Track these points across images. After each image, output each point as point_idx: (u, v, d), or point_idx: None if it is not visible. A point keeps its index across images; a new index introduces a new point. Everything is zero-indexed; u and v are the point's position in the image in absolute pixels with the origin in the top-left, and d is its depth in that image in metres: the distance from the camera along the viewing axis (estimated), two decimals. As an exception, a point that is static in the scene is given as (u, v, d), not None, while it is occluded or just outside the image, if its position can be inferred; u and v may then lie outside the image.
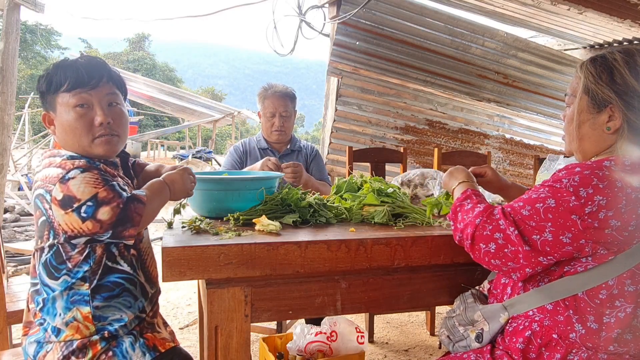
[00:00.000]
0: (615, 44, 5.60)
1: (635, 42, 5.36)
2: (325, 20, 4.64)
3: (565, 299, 1.11)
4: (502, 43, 5.29)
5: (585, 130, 1.18)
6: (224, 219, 1.44)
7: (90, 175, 1.18)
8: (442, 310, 3.28)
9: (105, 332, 1.27)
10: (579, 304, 1.09)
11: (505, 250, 1.11)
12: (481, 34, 5.15)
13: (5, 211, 6.16)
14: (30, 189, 2.19)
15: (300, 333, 1.91)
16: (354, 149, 3.02)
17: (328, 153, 4.82)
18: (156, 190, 1.29)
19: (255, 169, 2.24)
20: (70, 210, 1.14)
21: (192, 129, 21.48)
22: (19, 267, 4.13)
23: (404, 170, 3.08)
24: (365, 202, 1.58)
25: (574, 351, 1.09)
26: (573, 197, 1.05)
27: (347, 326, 1.90)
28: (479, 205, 1.20)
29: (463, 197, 1.27)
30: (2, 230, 2.47)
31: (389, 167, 3.26)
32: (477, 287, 1.40)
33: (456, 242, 1.24)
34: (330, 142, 4.81)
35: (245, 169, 2.44)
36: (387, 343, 2.90)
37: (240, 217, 1.40)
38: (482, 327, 1.23)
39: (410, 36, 4.82)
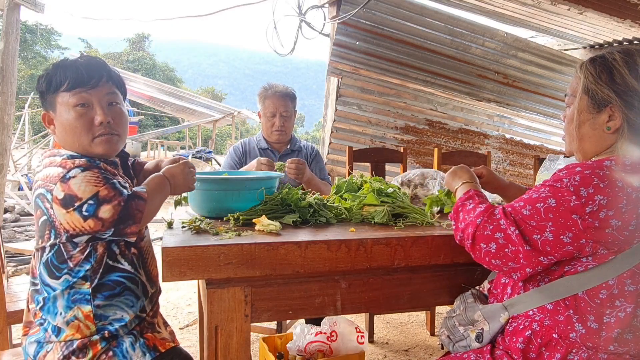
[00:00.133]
0: (615, 44, 5.60)
1: (635, 42, 5.36)
2: (325, 20, 4.64)
3: (565, 298, 1.11)
4: (502, 43, 5.29)
5: (585, 130, 1.18)
6: (224, 219, 1.44)
7: (91, 174, 1.19)
8: (442, 310, 3.28)
9: (106, 331, 1.27)
10: (579, 304, 1.09)
11: (506, 250, 1.11)
12: (481, 34, 5.15)
13: (5, 211, 6.16)
14: (30, 189, 2.19)
15: (300, 333, 1.91)
16: (354, 149, 3.02)
17: (328, 153, 4.82)
18: (156, 186, 1.29)
19: (250, 168, 2.25)
20: (71, 209, 1.15)
21: (192, 129, 21.48)
22: (19, 267, 4.13)
23: (404, 170, 3.08)
24: (365, 202, 1.58)
25: (574, 351, 1.09)
26: (574, 197, 1.05)
27: (347, 326, 1.90)
28: (480, 205, 1.20)
29: (465, 197, 1.27)
30: (2, 230, 2.47)
31: (389, 167, 3.26)
32: (477, 287, 1.40)
33: (457, 241, 1.24)
34: (330, 142, 4.81)
35: (241, 169, 2.44)
36: (387, 343, 2.90)
37: (240, 217, 1.40)
38: (482, 327, 1.23)
39: (410, 36, 4.82)
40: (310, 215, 1.47)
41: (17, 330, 2.34)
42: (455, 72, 5.11)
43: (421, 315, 3.32)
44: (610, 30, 5.14)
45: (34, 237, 5.07)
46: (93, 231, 1.16)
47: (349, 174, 2.27)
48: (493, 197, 1.77)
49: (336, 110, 4.75)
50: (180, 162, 1.38)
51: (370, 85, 4.83)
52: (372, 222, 1.50)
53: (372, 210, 1.53)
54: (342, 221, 1.52)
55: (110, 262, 1.29)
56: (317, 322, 2.08)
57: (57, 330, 1.25)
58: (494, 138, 5.67)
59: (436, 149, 3.14)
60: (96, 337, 1.25)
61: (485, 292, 1.37)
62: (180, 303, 3.55)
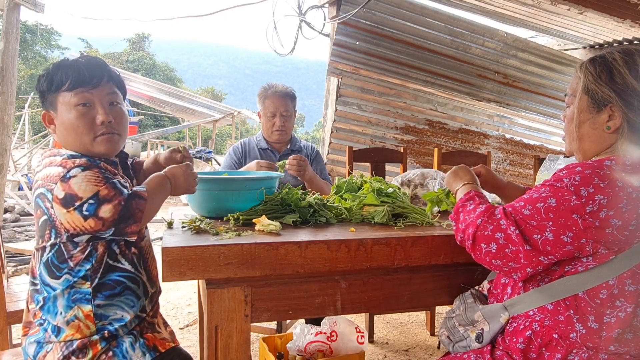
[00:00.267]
0: (615, 44, 5.60)
1: (635, 42, 5.36)
2: (325, 20, 4.64)
3: (565, 298, 1.11)
4: (502, 43, 5.29)
5: (585, 130, 1.18)
6: (224, 219, 1.44)
7: (91, 173, 1.19)
8: (442, 310, 3.28)
9: (105, 331, 1.27)
10: (580, 304, 1.09)
11: (506, 250, 1.11)
12: (481, 34, 5.15)
13: (5, 211, 6.16)
14: (31, 189, 2.19)
15: (300, 333, 1.91)
16: (354, 149, 3.02)
17: (328, 153, 4.82)
18: (157, 185, 1.29)
19: (250, 169, 2.25)
20: (72, 208, 1.15)
21: (192, 129, 21.48)
22: (19, 267, 4.13)
23: (404, 170, 3.08)
24: (365, 202, 1.58)
25: (574, 351, 1.09)
26: (574, 197, 1.05)
27: (347, 326, 1.90)
28: (480, 205, 1.20)
29: (466, 198, 1.27)
30: (2, 230, 2.47)
31: (389, 167, 3.26)
32: (476, 287, 1.40)
33: (458, 242, 1.24)
34: (330, 142, 4.81)
35: (241, 169, 2.44)
36: (387, 343, 2.90)
37: (240, 217, 1.40)
38: (482, 327, 1.22)
39: (410, 36, 4.82)
40: (310, 215, 1.47)
41: (17, 330, 2.34)
42: (455, 72, 5.11)
43: (421, 315, 3.32)
44: (610, 30, 5.14)
45: (34, 237, 5.07)
46: (93, 230, 1.16)
47: (349, 174, 2.28)
48: (492, 198, 1.77)
49: (336, 110, 4.75)
50: (183, 163, 1.39)
51: (370, 85, 4.83)
52: (372, 222, 1.50)
53: (372, 210, 1.53)
54: (342, 221, 1.52)
55: (111, 262, 1.29)
56: (317, 322, 2.08)
57: (57, 331, 1.25)
58: (494, 138, 5.67)
59: (436, 149, 3.14)
60: (96, 337, 1.25)
61: (485, 292, 1.37)
62: (180, 303, 3.55)
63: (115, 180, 1.21)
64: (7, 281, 2.23)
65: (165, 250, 1.12)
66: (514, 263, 1.11)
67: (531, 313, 1.16)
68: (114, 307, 1.29)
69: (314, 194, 1.64)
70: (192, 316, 3.27)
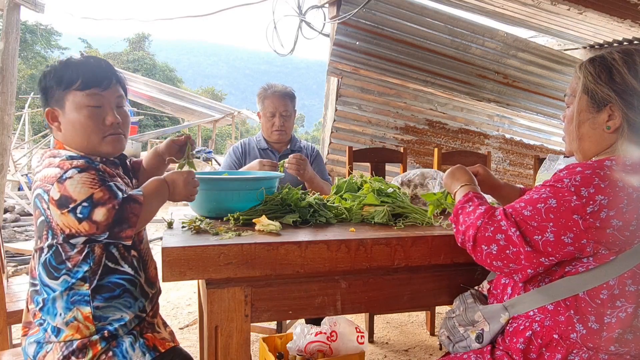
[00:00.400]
0: (615, 44, 5.60)
1: (635, 42, 5.36)
2: (325, 20, 4.64)
3: (566, 299, 1.11)
4: (502, 43, 5.29)
5: (585, 130, 1.18)
6: (224, 219, 1.44)
7: (87, 175, 1.18)
8: (442, 310, 3.28)
9: (105, 331, 1.27)
10: (580, 304, 1.09)
11: (507, 251, 1.10)
12: (481, 34, 5.15)
13: (5, 211, 6.16)
14: (30, 189, 2.20)
15: (300, 333, 1.91)
16: (354, 149, 3.02)
17: (328, 153, 4.82)
18: (154, 190, 1.28)
19: (252, 169, 2.25)
20: (66, 210, 1.15)
21: (192, 129, 21.47)
22: (19, 267, 4.13)
23: (404, 170, 3.08)
24: (365, 202, 1.58)
25: (574, 351, 1.09)
26: (574, 197, 1.05)
27: (347, 326, 1.90)
28: (480, 207, 1.20)
29: (465, 199, 1.27)
30: (2, 230, 2.47)
31: (389, 167, 3.25)
32: (476, 287, 1.40)
33: (459, 244, 1.24)
34: (330, 142, 4.81)
35: (242, 169, 2.44)
36: (387, 343, 2.90)
37: (240, 217, 1.40)
38: (482, 328, 1.22)
39: (410, 36, 4.82)
40: (310, 215, 1.47)
41: (17, 330, 2.34)
42: (455, 72, 5.11)
43: (421, 315, 3.32)
44: (610, 30, 5.14)
45: (33, 237, 5.07)
46: (88, 234, 1.16)
47: (349, 174, 2.27)
48: (490, 200, 1.75)
49: (336, 110, 4.75)
50: (184, 171, 1.36)
51: (370, 85, 4.83)
52: (372, 222, 1.50)
53: (372, 210, 1.53)
54: (342, 221, 1.52)
55: (111, 265, 1.29)
56: (317, 322, 2.08)
57: (57, 331, 1.25)
58: (494, 138, 5.67)
59: (436, 149, 3.14)
60: (96, 337, 1.25)
61: (485, 293, 1.37)
62: (180, 303, 3.55)
63: (111, 183, 1.21)
64: (7, 281, 2.23)
65: (165, 250, 1.12)
66: (515, 264, 1.10)
67: (531, 313, 1.16)
68: (112, 309, 1.29)
69: (314, 194, 1.64)
70: (192, 316, 3.27)
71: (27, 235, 5.45)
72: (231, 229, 1.32)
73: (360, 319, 3.05)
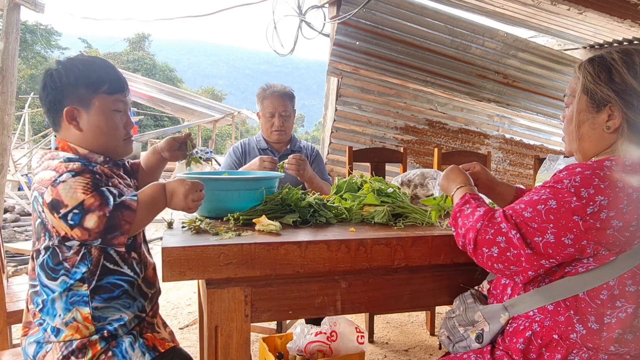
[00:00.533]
0: (615, 44, 5.60)
1: (635, 42, 5.36)
2: (325, 20, 4.64)
3: (566, 299, 1.11)
4: (502, 43, 5.29)
5: (584, 130, 1.18)
6: (224, 219, 1.44)
7: (81, 179, 1.17)
8: (442, 310, 3.28)
9: (105, 331, 1.27)
10: (580, 305, 1.09)
11: (508, 253, 1.10)
12: (481, 34, 5.15)
13: (5, 211, 6.16)
14: (30, 190, 2.20)
15: (300, 333, 1.91)
16: (354, 149, 3.02)
17: (328, 153, 4.82)
18: (149, 198, 1.25)
19: (252, 169, 2.25)
20: (57, 215, 1.15)
21: (192, 129, 21.47)
22: (19, 267, 4.13)
23: (404, 170, 3.08)
24: (365, 202, 1.58)
25: (574, 351, 1.09)
26: (574, 198, 1.05)
27: (347, 326, 1.90)
28: (478, 209, 1.19)
29: (462, 202, 1.26)
30: (2, 230, 2.47)
31: (389, 167, 3.25)
32: (476, 287, 1.40)
33: (460, 247, 1.23)
34: (330, 142, 4.81)
35: (241, 169, 2.44)
36: (387, 343, 2.90)
37: (240, 217, 1.40)
38: (482, 328, 1.22)
39: (410, 36, 4.82)
40: (310, 215, 1.46)
41: (17, 330, 2.34)
42: (455, 72, 5.11)
43: (421, 315, 3.32)
44: (610, 30, 5.14)
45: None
46: (80, 240, 1.17)
47: (349, 174, 2.27)
48: (487, 201, 1.73)
49: (336, 110, 4.75)
50: (190, 182, 1.30)
51: (370, 85, 4.83)
52: (372, 222, 1.50)
53: (372, 210, 1.53)
54: (342, 221, 1.52)
55: (110, 266, 1.29)
56: (317, 322, 2.08)
57: (56, 331, 1.25)
58: (494, 138, 5.67)
59: (436, 149, 3.14)
60: (95, 337, 1.25)
61: (485, 293, 1.37)
62: (180, 303, 3.55)
63: (103, 188, 1.19)
64: (7, 281, 2.23)
65: (165, 250, 1.12)
66: (516, 267, 1.10)
67: (531, 313, 1.16)
68: (111, 310, 1.29)
69: (314, 194, 1.64)
70: (192, 316, 3.27)
71: (27, 235, 5.45)
72: (231, 229, 1.32)
73: (360, 319, 3.05)
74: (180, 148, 1.59)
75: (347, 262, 1.25)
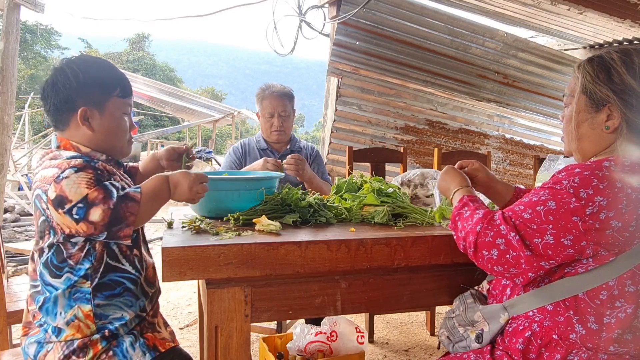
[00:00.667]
0: (615, 44, 5.60)
1: (635, 42, 5.37)
2: (325, 20, 4.64)
3: (565, 299, 1.11)
4: (502, 43, 5.29)
5: (584, 130, 1.18)
6: (224, 219, 1.44)
7: (83, 174, 1.18)
8: (442, 310, 3.28)
9: (106, 330, 1.27)
10: (580, 305, 1.09)
11: (507, 256, 1.10)
12: (481, 34, 5.15)
13: (5, 211, 6.16)
14: (30, 189, 2.20)
15: (300, 333, 1.91)
16: (354, 149, 3.02)
17: (328, 153, 4.82)
18: (153, 189, 1.26)
19: (254, 169, 2.25)
20: (62, 211, 1.15)
21: (192, 129, 21.48)
22: (19, 267, 4.13)
23: (404, 170, 3.08)
24: (365, 202, 1.58)
25: (574, 352, 1.09)
26: (573, 199, 1.05)
27: (347, 326, 1.90)
28: (477, 211, 1.19)
29: (460, 205, 1.26)
30: (2, 230, 2.47)
31: (389, 167, 3.26)
32: (476, 287, 1.40)
33: (461, 250, 1.23)
34: (330, 142, 4.81)
35: (244, 169, 2.44)
36: (387, 343, 2.90)
37: (240, 217, 1.40)
38: (482, 328, 1.22)
39: (410, 36, 4.82)
40: (310, 215, 1.47)
41: (17, 330, 2.34)
42: (455, 72, 5.11)
43: (421, 315, 3.32)
44: (610, 30, 5.14)
45: (34, 237, 5.07)
46: (86, 234, 1.17)
47: (349, 174, 2.27)
48: (486, 201, 1.73)
49: (336, 110, 4.75)
50: (194, 174, 1.32)
51: (370, 85, 4.83)
52: (372, 222, 1.50)
53: (372, 210, 1.53)
54: (342, 221, 1.52)
55: (112, 262, 1.29)
56: (317, 322, 2.08)
57: (57, 331, 1.25)
58: (494, 138, 5.67)
59: (436, 149, 3.14)
60: (96, 336, 1.26)
61: (484, 293, 1.37)
62: (180, 303, 3.55)
63: (106, 182, 1.20)
64: (7, 281, 2.23)
65: (165, 250, 1.12)
66: (515, 269, 1.10)
67: (531, 314, 1.16)
68: (113, 307, 1.29)
69: (313, 194, 1.64)
70: (192, 316, 3.27)
71: (27, 235, 5.45)
72: (231, 229, 1.32)
73: (360, 319, 3.05)
74: (178, 159, 1.60)
75: (347, 262, 1.25)
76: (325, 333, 1.88)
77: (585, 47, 6.03)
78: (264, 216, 1.35)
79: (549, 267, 1.09)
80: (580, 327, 1.09)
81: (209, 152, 13.61)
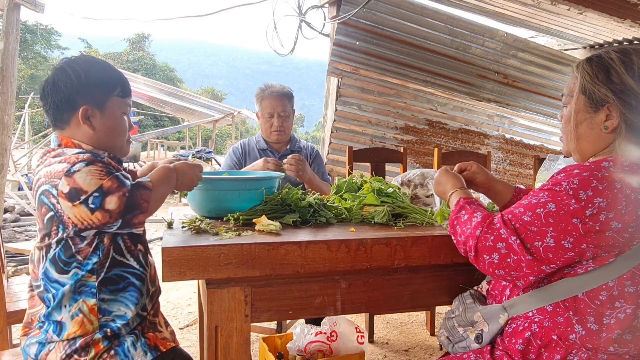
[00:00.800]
0: (615, 44, 5.60)
1: (635, 42, 5.37)
2: (325, 20, 4.64)
3: (565, 300, 1.10)
4: (502, 43, 5.29)
5: (582, 130, 1.18)
6: (224, 219, 1.45)
7: (94, 167, 1.20)
8: (442, 310, 3.28)
9: (108, 329, 1.27)
10: (579, 305, 1.09)
11: (508, 259, 1.09)
12: (481, 34, 5.15)
13: (5, 211, 6.16)
14: (31, 189, 2.20)
15: (300, 333, 1.91)
16: (354, 149, 3.02)
17: (328, 153, 4.82)
18: (162, 176, 1.32)
19: (255, 169, 2.25)
20: (78, 202, 1.16)
21: (192, 129, 21.48)
22: (19, 267, 4.13)
23: (404, 170, 3.08)
24: (365, 202, 1.58)
25: (573, 352, 1.09)
26: (573, 200, 1.05)
27: (347, 326, 1.90)
28: (475, 214, 1.18)
29: (457, 208, 1.25)
30: (2, 230, 2.48)
31: (389, 167, 3.26)
32: (475, 288, 1.40)
33: (461, 254, 1.23)
34: (330, 142, 4.81)
35: (244, 169, 2.44)
36: (387, 343, 2.90)
37: (240, 217, 1.40)
38: (481, 328, 1.22)
39: (410, 36, 4.82)
40: (310, 215, 1.47)
41: (17, 330, 2.34)
42: (455, 72, 5.12)
43: (421, 315, 3.32)
44: (610, 30, 5.14)
45: (34, 237, 5.07)
46: (101, 224, 1.18)
47: (349, 174, 2.27)
48: (486, 202, 1.73)
49: (336, 110, 4.75)
50: (193, 163, 1.43)
51: (370, 85, 4.84)
52: (372, 222, 1.50)
53: (372, 210, 1.53)
54: (342, 221, 1.52)
55: (117, 257, 1.30)
56: (317, 322, 2.08)
57: (59, 329, 1.25)
58: (494, 138, 5.67)
59: (436, 149, 3.14)
60: (98, 335, 1.26)
61: (484, 293, 1.37)
62: (180, 303, 3.55)
63: (118, 173, 1.23)
64: (7, 281, 2.24)
65: (165, 250, 1.12)
66: (516, 272, 1.09)
67: (530, 314, 1.16)
68: (117, 303, 1.30)
69: (313, 194, 1.64)
70: (192, 316, 3.27)
71: (27, 235, 5.45)
72: (231, 229, 1.33)
73: (360, 319, 3.05)
74: None
75: (347, 262, 1.25)
76: (325, 333, 1.88)
77: (585, 47, 6.03)
78: (264, 216, 1.35)
79: (549, 270, 1.08)
80: (579, 327, 1.09)
81: (209, 152, 13.61)
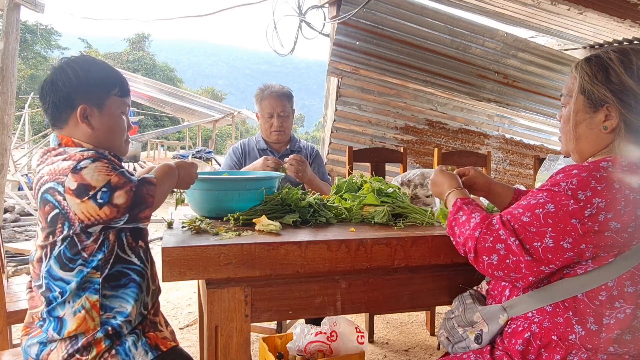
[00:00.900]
0: (615, 44, 5.60)
1: (635, 42, 5.37)
2: (325, 20, 4.64)
3: (564, 300, 1.10)
4: (502, 43, 5.29)
5: (582, 130, 1.18)
6: (224, 219, 1.45)
7: (101, 164, 1.22)
8: (442, 310, 3.28)
9: (109, 327, 1.27)
10: (579, 306, 1.09)
11: (507, 260, 1.09)
12: (481, 34, 5.15)
13: (5, 211, 6.16)
14: (31, 189, 2.19)
15: (300, 333, 1.91)
16: (354, 149, 3.02)
17: (328, 153, 4.82)
18: (165, 172, 1.35)
19: (255, 168, 2.25)
20: (86, 198, 1.17)
21: (192, 129, 21.48)
22: (19, 267, 4.13)
23: (404, 170, 3.08)
24: (365, 202, 1.58)
25: (573, 352, 1.09)
26: (572, 201, 1.05)
27: (347, 326, 1.90)
28: (473, 215, 1.18)
29: (455, 209, 1.25)
30: (2, 230, 2.48)
31: (389, 167, 3.26)
32: (475, 288, 1.40)
33: (461, 254, 1.23)
34: (330, 142, 4.81)
35: (244, 169, 2.44)
36: (387, 343, 2.90)
37: (240, 217, 1.40)
38: (481, 329, 1.22)
39: (411, 36, 4.82)
40: (310, 215, 1.47)
41: (17, 330, 2.34)
42: (455, 72, 5.12)
43: (421, 315, 3.32)
44: (610, 30, 5.14)
45: (34, 237, 5.07)
46: (108, 219, 1.19)
47: (349, 174, 2.27)
48: (485, 203, 1.73)
49: (336, 110, 4.75)
50: (191, 162, 1.47)
51: (370, 85, 4.84)
52: (372, 222, 1.50)
53: (372, 210, 1.53)
54: (342, 221, 1.53)
55: (120, 253, 1.31)
56: (317, 322, 2.08)
57: (60, 326, 1.25)
58: (494, 138, 5.67)
59: (436, 149, 3.14)
60: (100, 334, 1.26)
61: (483, 293, 1.37)
62: (180, 303, 3.55)
63: (123, 170, 1.25)
64: (7, 281, 2.23)
65: (165, 250, 1.12)
66: (515, 273, 1.09)
67: (530, 314, 1.16)
68: (118, 299, 1.30)
69: (313, 194, 1.64)
70: (192, 316, 3.27)
71: (27, 235, 5.45)
72: (231, 229, 1.33)
73: (360, 319, 3.05)
74: None
75: (347, 262, 1.25)
76: (325, 333, 1.88)
77: (585, 47, 6.03)
78: (264, 216, 1.35)
79: (549, 271, 1.08)
80: (579, 327, 1.09)
81: (209, 152, 13.61)
